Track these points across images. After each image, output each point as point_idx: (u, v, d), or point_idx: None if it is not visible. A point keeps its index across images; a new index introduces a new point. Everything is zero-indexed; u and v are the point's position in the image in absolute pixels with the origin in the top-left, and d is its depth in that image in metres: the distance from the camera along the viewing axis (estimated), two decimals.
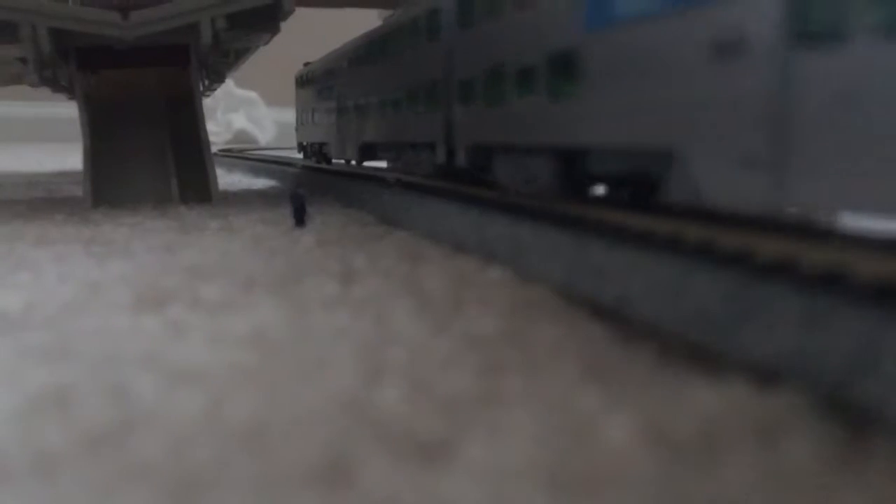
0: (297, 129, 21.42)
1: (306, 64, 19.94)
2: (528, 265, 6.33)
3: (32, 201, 14.20)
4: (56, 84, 16.86)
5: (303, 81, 19.97)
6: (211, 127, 27.50)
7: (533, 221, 6.62)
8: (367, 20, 19.35)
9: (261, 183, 19.18)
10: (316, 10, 22.19)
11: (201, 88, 16.95)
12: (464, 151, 9.32)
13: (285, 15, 13.50)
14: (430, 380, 3.83)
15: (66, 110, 28.53)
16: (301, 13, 14.80)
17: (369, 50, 13.75)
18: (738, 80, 4.56)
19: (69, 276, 6.68)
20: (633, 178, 6.44)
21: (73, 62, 14.12)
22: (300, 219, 9.86)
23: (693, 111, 4.99)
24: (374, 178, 12.48)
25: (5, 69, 18.02)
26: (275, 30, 14.15)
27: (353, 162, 15.37)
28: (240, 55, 17.36)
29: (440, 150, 10.06)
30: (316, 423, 3.33)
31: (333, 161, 17.13)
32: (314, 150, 19.16)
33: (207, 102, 21.79)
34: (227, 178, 20.73)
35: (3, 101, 50.91)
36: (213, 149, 17.48)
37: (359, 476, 2.85)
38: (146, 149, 13.74)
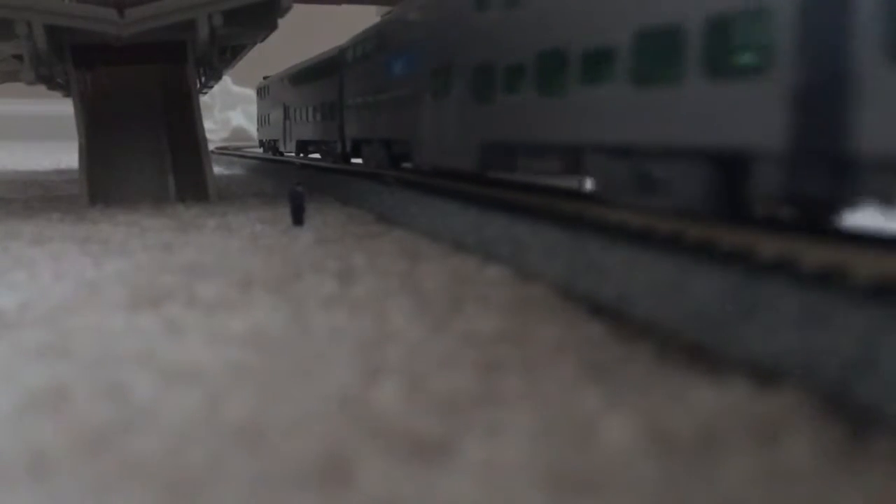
0: (257, 129, 30.28)
1: (265, 78, 26.88)
2: (527, 263, 6.32)
3: (28, 200, 14.16)
4: (52, 81, 16.82)
5: (261, 93, 27.96)
6: (208, 124, 27.80)
7: (532, 220, 6.61)
8: (366, 16, 19.31)
9: (259, 181, 19.14)
10: (313, 7, 22.12)
11: (198, 86, 16.91)
12: (349, 144, 16.02)
13: (283, 11, 13.47)
14: (429, 379, 3.81)
15: (63, 108, 28.43)
16: (299, 9, 14.77)
17: (303, 75, 20.67)
18: (416, 110, 10.95)
19: (65, 274, 6.65)
20: (404, 155, 12.36)
21: (69, 59, 14.07)
22: (298, 217, 9.83)
23: (411, 121, 11.23)
24: (372, 176, 12.45)
25: (1, 66, 17.96)
26: (272, 26, 14.12)
27: (300, 154, 22.10)
28: (237, 52, 17.32)
29: (339, 144, 16.71)
30: (314, 422, 3.31)
31: (285, 154, 23.90)
32: (269, 145, 26.90)
33: (205, 100, 21.91)
34: (225, 176, 20.68)
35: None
36: (211, 146, 17.47)
37: (356, 475, 2.84)
38: (143, 146, 13.70)
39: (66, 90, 18.11)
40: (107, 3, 12.78)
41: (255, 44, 16.32)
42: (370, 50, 14.13)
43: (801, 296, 3.70)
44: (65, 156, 27.86)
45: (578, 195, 7.76)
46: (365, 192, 11.92)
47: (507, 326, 4.73)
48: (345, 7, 22.81)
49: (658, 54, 5.52)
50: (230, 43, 15.55)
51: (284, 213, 10.36)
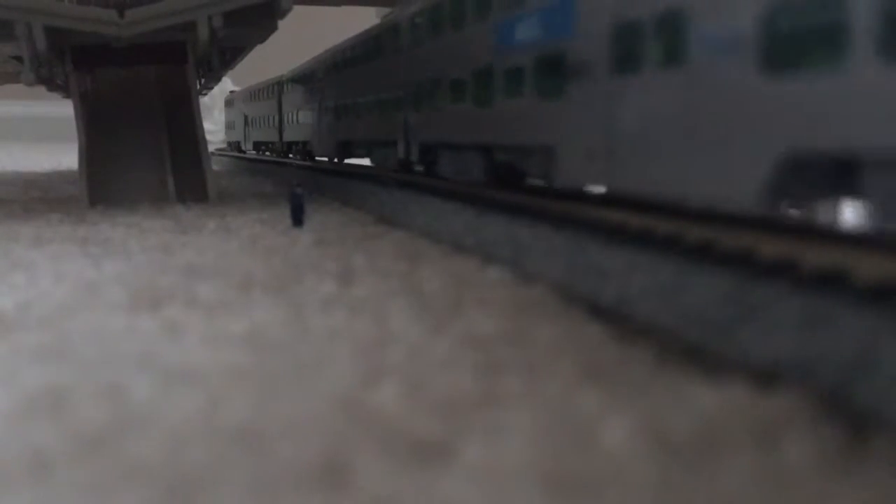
0: (225, 133, 39.30)
1: (231, 92, 35.94)
2: (527, 265, 6.31)
3: (29, 201, 14.16)
4: (52, 83, 16.84)
5: (228, 104, 36.77)
6: (208, 125, 28.12)
7: (531, 221, 6.61)
8: (365, 17, 19.32)
9: (258, 182, 19.16)
10: (314, 8, 22.13)
11: (198, 87, 16.91)
12: (287, 145, 24.06)
13: (283, 13, 13.48)
14: (429, 380, 3.81)
15: (63, 109, 28.46)
16: (299, 10, 14.77)
17: (257, 94, 28.19)
18: (313, 123, 20.10)
19: (65, 276, 6.65)
20: (307, 150, 21.61)
21: (69, 61, 14.07)
22: (298, 218, 9.83)
23: (312, 130, 20.24)
24: (371, 176, 12.46)
25: (1, 67, 17.96)
26: (272, 27, 14.13)
27: (253, 151, 29.97)
28: (237, 53, 17.33)
29: (281, 143, 24.68)
30: (313, 423, 3.31)
31: (247, 152, 30.97)
32: (234, 146, 34.51)
33: (204, 101, 22.08)
34: (225, 177, 20.69)
35: None
36: (210, 147, 17.51)
37: (356, 477, 2.84)
38: (143, 148, 13.70)
39: (66, 91, 18.13)
40: (107, 5, 12.78)
41: (254, 45, 16.32)
42: (294, 81, 22.24)
43: (800, 298, 3.70)
44: (65, 157, 27.87)
45: (578, 196, 7.76)
46: (364, 193, 11.93)
47: (506, 328, 4.73)
48: (345, 8, 22.81)
49: (384, 107, 13.41)
50: (230, 44, 15.57)
51: (284, 213, 10.36)
